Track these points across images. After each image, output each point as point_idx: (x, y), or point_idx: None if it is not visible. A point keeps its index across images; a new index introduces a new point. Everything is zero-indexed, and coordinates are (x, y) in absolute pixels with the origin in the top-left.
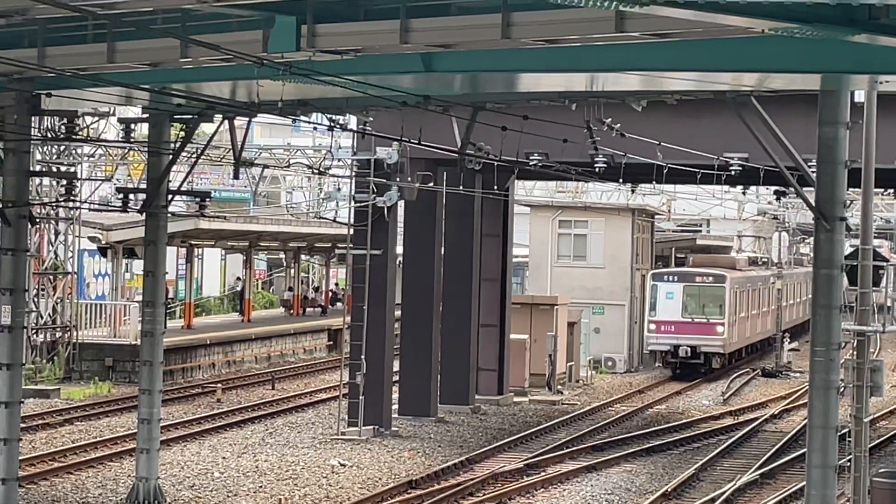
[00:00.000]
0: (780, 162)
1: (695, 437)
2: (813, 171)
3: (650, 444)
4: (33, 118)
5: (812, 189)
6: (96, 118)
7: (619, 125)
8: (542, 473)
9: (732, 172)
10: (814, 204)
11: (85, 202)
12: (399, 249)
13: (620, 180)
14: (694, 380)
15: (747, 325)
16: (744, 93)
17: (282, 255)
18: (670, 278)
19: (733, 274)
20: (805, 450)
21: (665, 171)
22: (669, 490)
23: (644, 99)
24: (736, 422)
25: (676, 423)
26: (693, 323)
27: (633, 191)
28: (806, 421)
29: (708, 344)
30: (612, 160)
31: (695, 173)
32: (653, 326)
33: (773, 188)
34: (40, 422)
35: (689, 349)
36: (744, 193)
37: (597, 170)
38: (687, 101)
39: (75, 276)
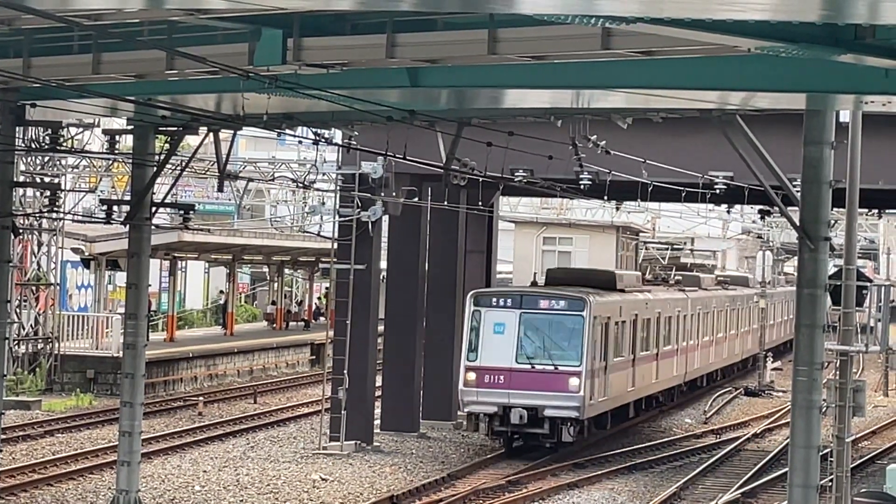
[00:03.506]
0: (764, 181)
1: (677, 455)
2: (797, 191)
3: (632, 462)
4: (17, 128)
5: (796, 208)
6: (81, 129)
7: (604, 142)
8: (524, 490)
9: (717, 191)
10: (798, 223)
11: (68, 213)
12: (383, 264)
13: (605, 197)
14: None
15: (653, 368)
16: (729, 111)
17: (265, 269)
18: (501, 302)
19: (609, 297)
20: (787, 469)
21: (650, 189)
22: None
23: (629, 116)
24: (718, 440)
25: (659, 440)
26: (534, 372)
27: (617, 208)
28: (788, 440)
29: (556, 405)
30: (597, 177)
31: (680, 191)
32: (472, 377)
33: (758, 207)
34: (21, 433)
35: (525, 412)
36: (728, 212)
37: (582, 187)
38: (672, 119)
39: (58, 287)
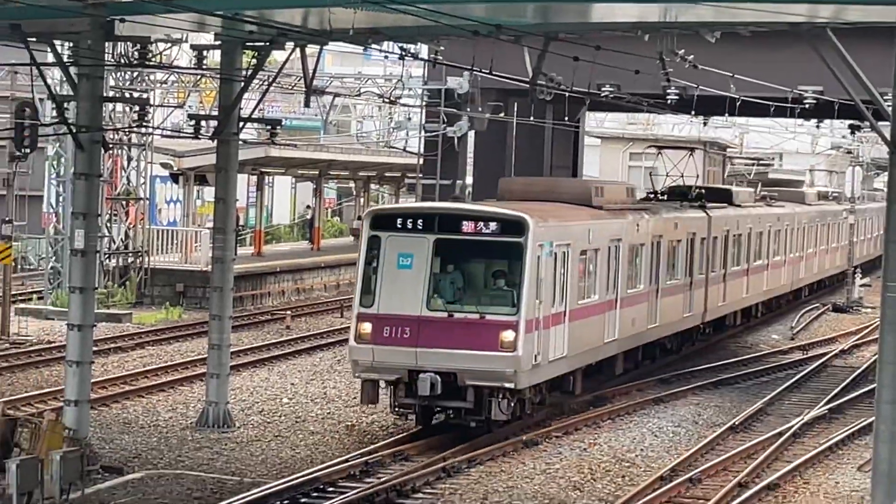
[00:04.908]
0: (855, 95)
1: (763, 371)
2: (889, 105)
3: (718, 378)
4: (107, 44)
5: (888, 123)
6: (169, 45)
7: (692, 57)
8: (609, 406)
9: (806, 105)
10: (889, 138)
11: (157, 128)
12: (469, 180)
13: (692, 113)
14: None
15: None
16: (819, 25)
17: (351, 184)
18: (408, 225)
19: (560, 219)
20: (875, 385)
21: (738, 104)
22: (737, 423)
23: (717, 30)
24: (805, 356)
25: (745, 357)
26: (452, 323)
27: (705, 123)
28: (876, 356)
29: (481, 369)
30: (684, 92)
31: (768, 106)
32: (366, 329)
33: (848, 122)
34: (112, 346)
35: (439, 379)
36: (817, 127)
37: (669, 101)
38: (761, 33)
39: (147, 201)
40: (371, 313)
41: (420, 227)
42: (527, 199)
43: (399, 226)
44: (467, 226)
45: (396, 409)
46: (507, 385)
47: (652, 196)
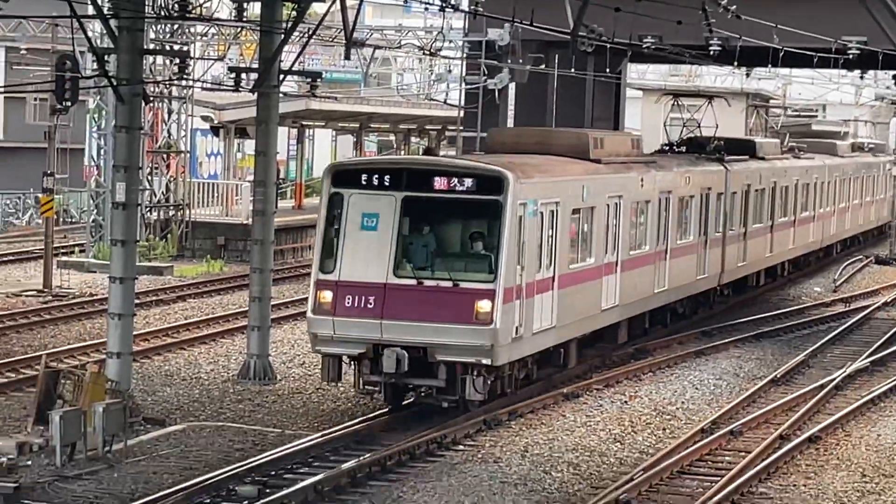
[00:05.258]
0: None
1: (805, 323)
2: None
3: (759, 331)
4: None
5: None
6: None
7: (734, 7)
8: (650, 358)
9: (850, 56)
10: None
11: (197, 81)
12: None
13: (735, 64)
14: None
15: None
16: None
17: (392, 137)
18: (373, 181)
19: (548, 174)
20: None
21: (781, 55)
22: (778, 376)
23: None
24: (847, 309)
25: (786, 309)
26: (421, 291)
27: (747, 74)
28: None
29: (455, 344)
30: (726, 43)
31: (811, 57)
32: (326, 297)
33: (892, 72)
34: (154, 298)
35: (406, 354)
36: (861, 77)
37: (711, 52)
38: None
39: (188, 154)
40: (332, 280)
41: (387, 184)
42: (517, 152)
43: (364, 182)
44: (439, 182)
45: (361, 387)
46: (483, 361)
47: (667, 148)
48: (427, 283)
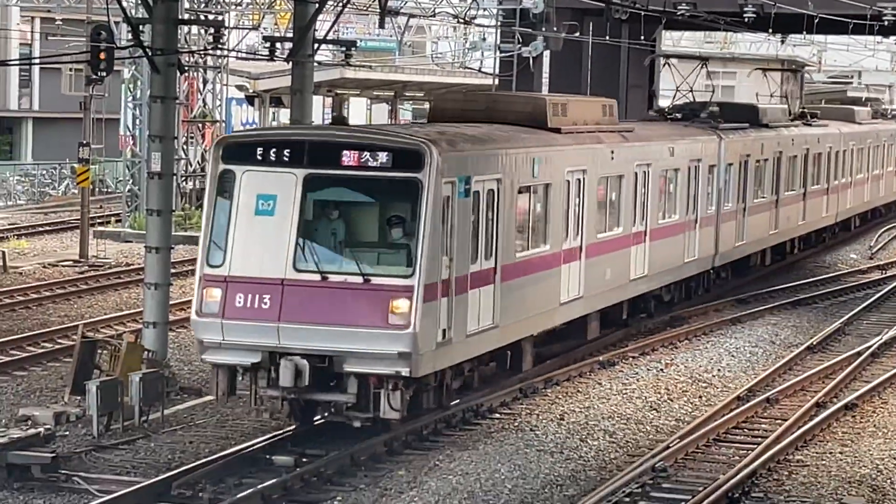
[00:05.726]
0: None
1: (841, 291)
2: None
3: (795, 298)
4: None
5: None
6: None
7: None
8: (686, 326)
9: (885, 22)
10: None
11: (232, 51)
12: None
13: (769, 30)
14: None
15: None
16: None
17: (426, 106)
18: (270, 156)
19: (486, 146)
20: None
21: (816, 21)
22: (814, 343)
23: None
24: (884, 276)
25: (822, 276)
26: (326, 288)
27: (782, 41)
28: None
29: (366, 352)
30: (761, 10)
31: (846, 23)
32: (214, 295)
33: None
34: (190, 268)
35: (309, 365)
36: None
37: (746, 19)
38: None
39: (223, 124)
40: (220, 276)
41: (286, 160)
42: (464, 121)
43: (259, 157)
44: (348, 157)
45: (257, 404)
46: (400, 372)
47: (656, 116)
48: (333, 278)
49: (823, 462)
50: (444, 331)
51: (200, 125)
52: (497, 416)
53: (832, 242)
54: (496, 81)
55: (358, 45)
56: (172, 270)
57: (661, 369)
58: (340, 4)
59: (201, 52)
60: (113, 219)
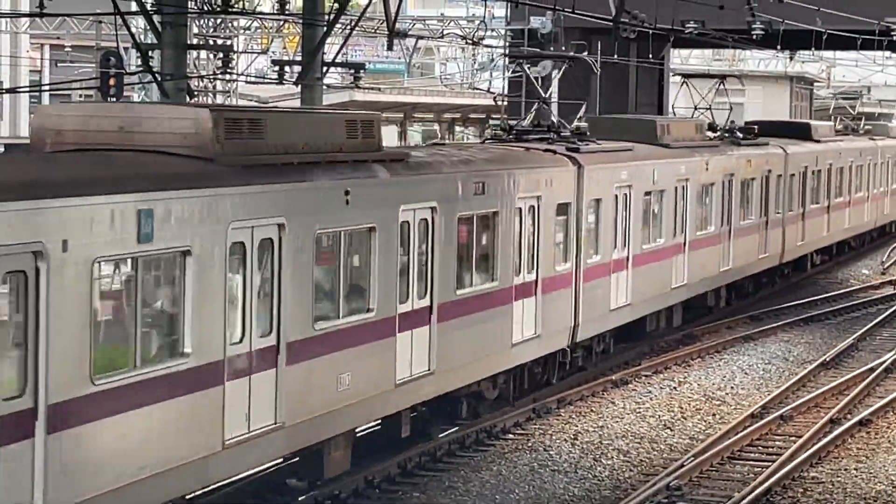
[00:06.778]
0: None
1: (854, 306)
2: None
3: (808, 314)
4: None
5: None
6: None
7: None
8: (699, 343)
9: (894, 37)
10: None
11: (241, 75)
12: (554, 119)
13: (778, 47)
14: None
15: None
16: None
17: (436, 127)
18: None
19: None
20: None
21: (824, 38)
22: (828, 359)
23: None
24: None
25: (835, 292)
26: None
27: (791, 58)
28: None
29: None
30: (769, 26)
31: (855, 39)
32: None
33: None
34: None
35: None
36: None
37: (754, 36)
38: None
39: None
40: None
41: None
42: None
43: None
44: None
45: None
46: None
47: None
48: None
49: (838, 479)
50: None
51: None
52: (510, 436)
53: (844, 258)
54: (505, 102)
55: (367, 67)
56: None
57: (675, 387)
58: (349, 27)
59: (211, 77)
60: None
